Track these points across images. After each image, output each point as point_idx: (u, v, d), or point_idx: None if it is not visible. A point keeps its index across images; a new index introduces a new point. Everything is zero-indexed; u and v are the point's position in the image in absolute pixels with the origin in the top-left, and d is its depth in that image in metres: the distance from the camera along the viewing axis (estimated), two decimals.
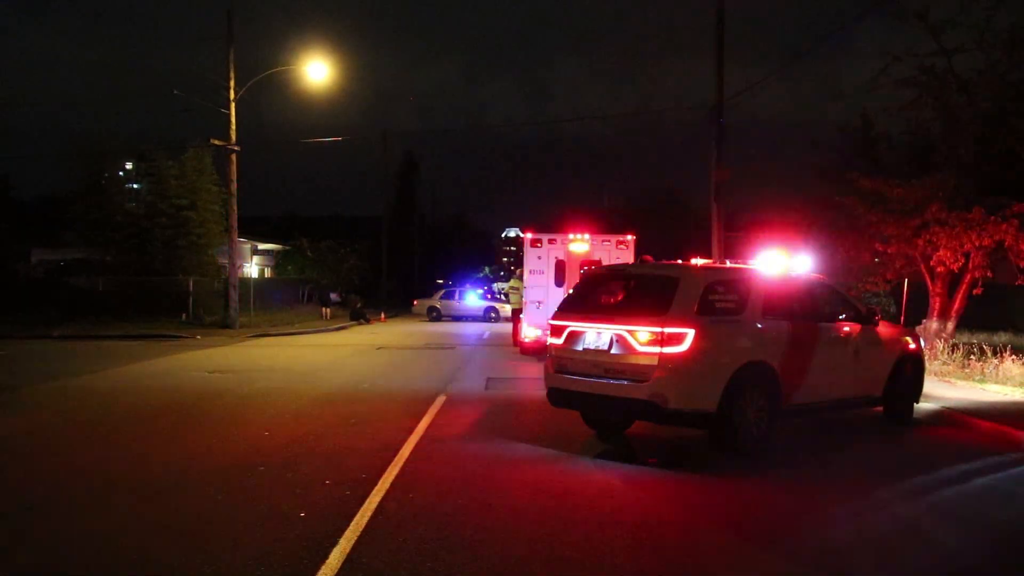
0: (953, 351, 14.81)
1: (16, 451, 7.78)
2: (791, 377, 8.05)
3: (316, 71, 27.02)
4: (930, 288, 16.73)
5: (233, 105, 26.32)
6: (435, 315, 37.44)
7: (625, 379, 7.52)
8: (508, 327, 23.09)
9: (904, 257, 16.28)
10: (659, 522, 5.53)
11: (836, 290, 9.82)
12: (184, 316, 27.81)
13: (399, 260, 52.77)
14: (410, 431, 8.56)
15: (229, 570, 4.51)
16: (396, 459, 7.20)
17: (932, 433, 9.31)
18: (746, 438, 7.61)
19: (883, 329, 9.43)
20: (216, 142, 26.34)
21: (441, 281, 55.37)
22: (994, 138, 14.90)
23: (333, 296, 38.08)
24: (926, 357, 11.72)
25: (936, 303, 16.65)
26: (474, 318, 36.80)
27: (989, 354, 13.81)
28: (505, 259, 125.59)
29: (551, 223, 24.15)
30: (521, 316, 18.48)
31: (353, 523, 5.29)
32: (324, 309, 34.48)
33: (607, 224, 28.64)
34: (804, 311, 8.63)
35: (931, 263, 15.46)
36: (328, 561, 4.60)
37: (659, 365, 7.29)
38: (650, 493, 6.35)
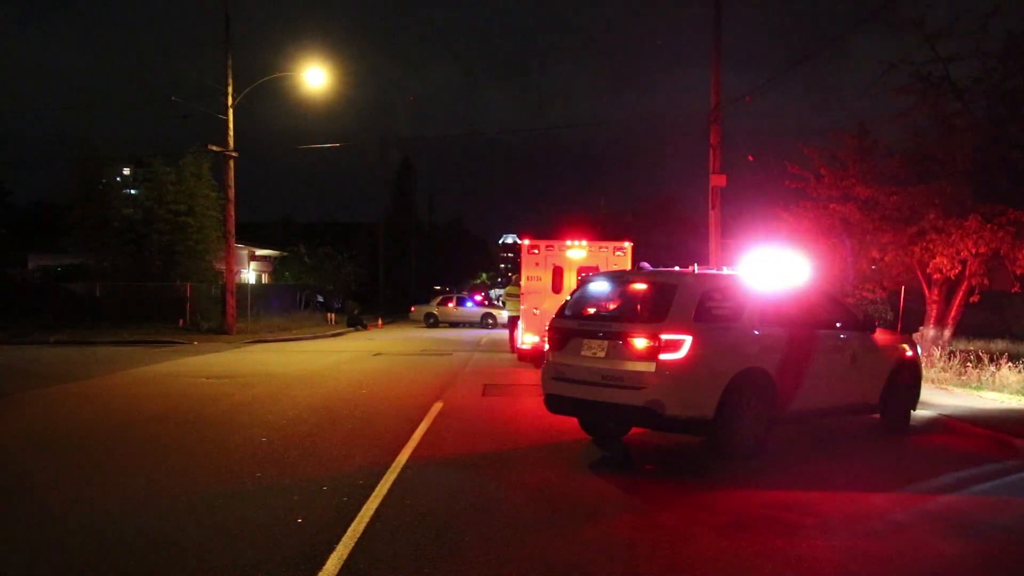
0: (950, 358, 14.81)
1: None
2: (788, 384, 8.07)
3: (314, 77, 27.09)
4: (927, 295, 16.76)
5: (231, 111, 26.38)
6: (432, 321, 37.47)
7: (622, 386, 7.52)
8: (505, 333, 23.08)
9: (901, 264, 16.29)
10: (656, 528, 5.54)
11: (833, 297, 9.85)
12: (181, 322, 27.80)
13: (396, 266, 52.83)
14: (407, 437, 8.55)
15: None
16: (393, 465, 7.19)
17: (929, 440, 9.32)
18: (742, 445, 7.63)
19: (880, 336, 9.45)
20: (214, 148, 26.37)
21: (438, 287, 55.39)
22: (990, 145, 14.95)
23: (335, 304, 38.41)
24: (923, 364, 11.73)
25: (933, 310, 16.66)
26: (471, 324, 36.83)
27: (986, 361, 13.82)
28: (503, 265, 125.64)
29: (549, 229, 24.22)
30: (518, 322, 18.47)
31: (351, 529, 5.29)
32: (330, 314, 34.78)
33: (605, 230, 28.70)
34: (801, 318, 8.65)
35: (928, 270, 15.49)
36: (325, 567, 4.60)
37: (656, 372, 7.30)
38: (647, 499, 6.36)
